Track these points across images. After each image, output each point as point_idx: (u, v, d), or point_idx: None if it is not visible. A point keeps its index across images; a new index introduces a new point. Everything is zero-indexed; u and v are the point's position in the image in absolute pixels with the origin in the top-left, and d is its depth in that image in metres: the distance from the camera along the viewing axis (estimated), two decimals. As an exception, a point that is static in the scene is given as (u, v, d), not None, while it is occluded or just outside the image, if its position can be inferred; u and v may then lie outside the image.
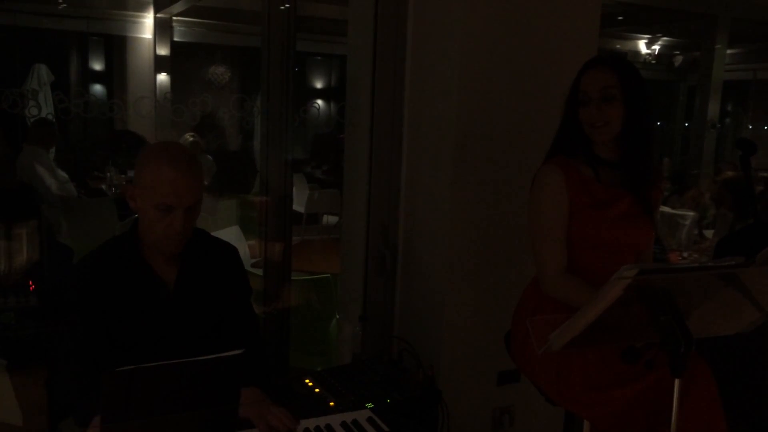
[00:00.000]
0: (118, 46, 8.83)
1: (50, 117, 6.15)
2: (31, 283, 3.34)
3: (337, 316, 3.39)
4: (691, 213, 5.84)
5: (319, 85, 11.24)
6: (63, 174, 5.61)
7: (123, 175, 6.37)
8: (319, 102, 10.85)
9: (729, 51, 9.05)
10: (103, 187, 6.27)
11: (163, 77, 8.41)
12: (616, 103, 1.91)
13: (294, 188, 6.44)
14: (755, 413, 2.54)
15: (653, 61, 11.34)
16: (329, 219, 7.91)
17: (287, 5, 2.86)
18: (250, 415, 1.72)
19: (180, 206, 1.71)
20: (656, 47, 11.09)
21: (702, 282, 1.45)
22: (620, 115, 1.91)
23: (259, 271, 3.13)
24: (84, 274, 1.83)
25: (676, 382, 1.46)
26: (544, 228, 1.97)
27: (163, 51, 8.48)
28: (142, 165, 1.74)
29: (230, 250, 2.00)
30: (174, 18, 8.62)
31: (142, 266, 1.82)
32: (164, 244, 1.78)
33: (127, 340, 1.78)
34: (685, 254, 4.37)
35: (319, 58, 10.99)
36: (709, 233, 5.37)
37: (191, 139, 6.06)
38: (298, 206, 7.61)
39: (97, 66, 9.35)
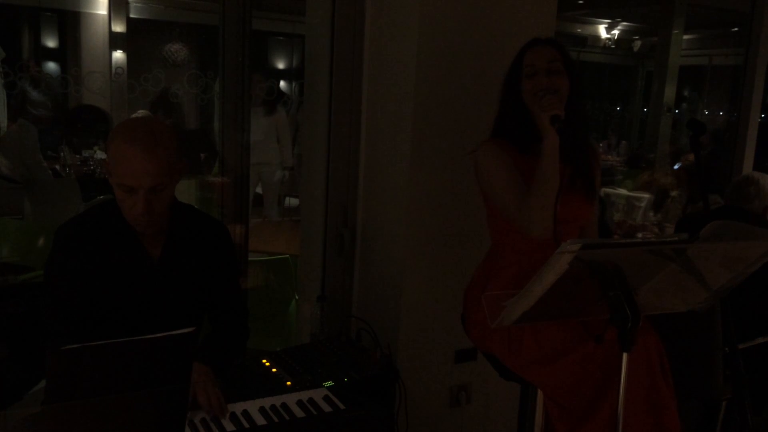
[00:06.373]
0: (71, 22, 8.55)
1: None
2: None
3: (296, 297, 3.38)
4: (646, 195, 5.96)
5: (281, 65, 11.09)
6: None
7: (78, 155, 6.14)
8: (281, 83, 10.71)
9: (686, 36, 9.18)
10: (57, 167, 6.07)
11: (118, 54, 8.16)
12: (562, 76, 1.95)
13: (254, 169, 6.29)
14: (704, 389, 2.62)
15: (613, 46, 11.48)
16: (291, 201, 7.83)
17: (244, -18, 2.81)
18: None
19: (140, 188, 1.66)
20: (616, 32, 11.23)
21: (649, 258, 1.49)
22: (567, 87, 1.95)
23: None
24: (67, 236, 1.76)
25: (624, 355, 1.50)
26: (508, 186, 1.94)
27: (118, 28, 8.23)
28: (110, 141, 1.70)
29: (219, 227, 1.96)
30: (130, -6, 8.39)
31: (127, 235, 1.76)
32: (134, 224, 1.74)
33: (107, 307, 1.74)
34: (640, 235, 4.46)
35: (280, 38, 10.83)
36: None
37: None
38: (259, 187, 7.51)
39: (51, 43, 9.06)
